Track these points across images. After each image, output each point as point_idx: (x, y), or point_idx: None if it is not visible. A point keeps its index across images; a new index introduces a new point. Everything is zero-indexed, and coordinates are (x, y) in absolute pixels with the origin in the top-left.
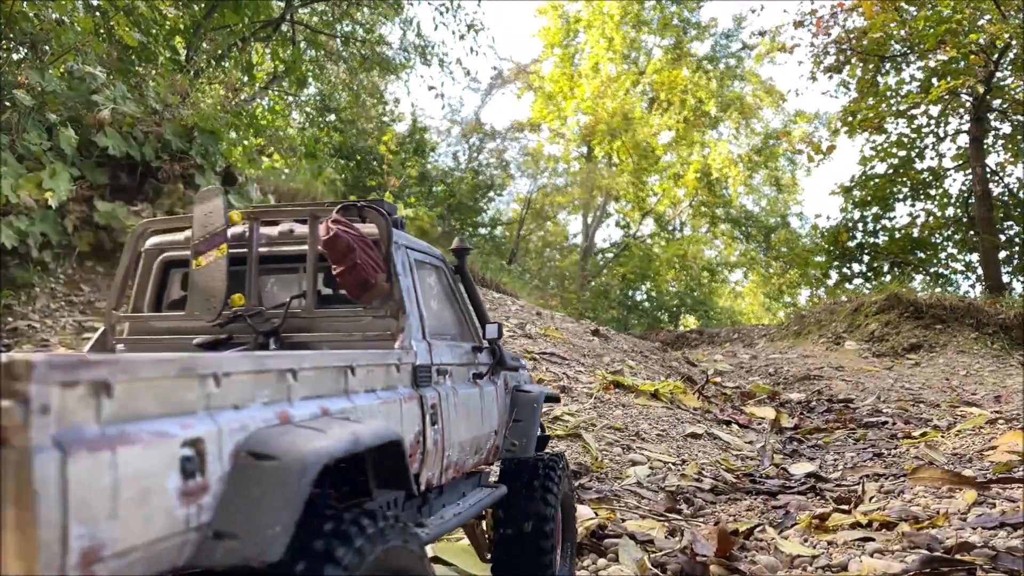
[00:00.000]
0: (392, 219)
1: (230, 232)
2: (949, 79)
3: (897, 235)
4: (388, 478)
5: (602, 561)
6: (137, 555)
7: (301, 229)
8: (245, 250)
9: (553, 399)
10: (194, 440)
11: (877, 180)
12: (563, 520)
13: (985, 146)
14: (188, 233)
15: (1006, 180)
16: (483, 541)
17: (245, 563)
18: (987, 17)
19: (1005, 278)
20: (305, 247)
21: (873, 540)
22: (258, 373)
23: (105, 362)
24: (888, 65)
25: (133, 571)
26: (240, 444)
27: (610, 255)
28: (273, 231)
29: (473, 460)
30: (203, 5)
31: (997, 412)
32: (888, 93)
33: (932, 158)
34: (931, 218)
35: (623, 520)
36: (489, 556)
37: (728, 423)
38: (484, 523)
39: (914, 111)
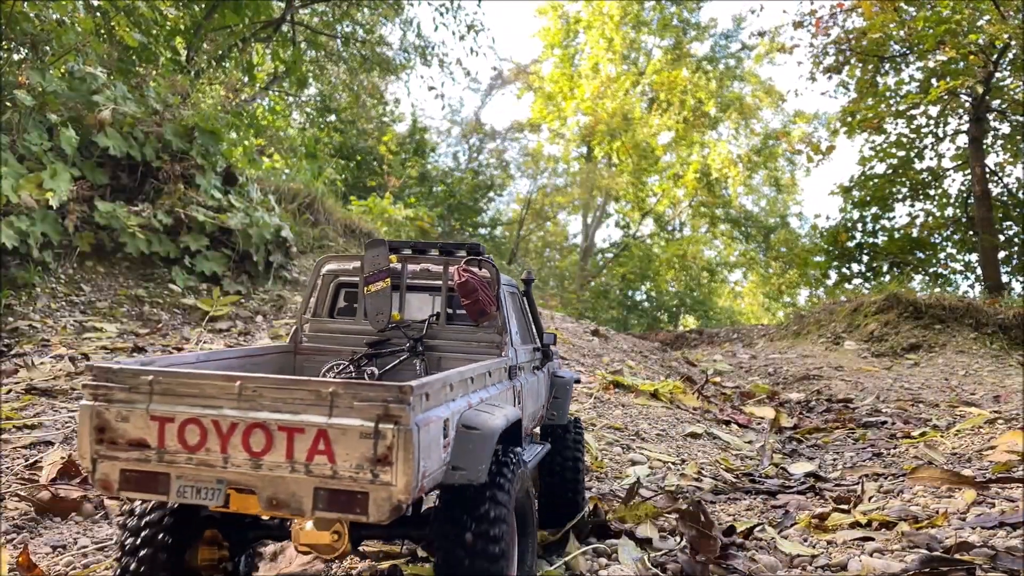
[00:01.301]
0: (496, 268)
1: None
2: (948, 79)
3: (896, 235)
4: (510, 437)
5: (602, 560)
6: (431, 477)
7: (434, 268)
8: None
9: (577, 381)
10: (445, 419)
11: (876, 180)
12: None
13: (984, 146)
14: (355, 264)
15: (1005, 180)
16: None
17: (468, 482)
18: (986, 18)
19: (1004, 278)
20: (435, 281)
21: (872, 540)
22: (459, 381)
23: (429, 383)
24: (887, 65)
25: (428, 485)
26: (459, 420)
27: (610, 255)
28: (416, 268)
29: (533, 425)
30: (203, 6)
31: (996, 412)
32: (887, 93)
33: (931, 158)
34: (930, 218)
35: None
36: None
37: (727, 423)
38: None
39: (913, 111)
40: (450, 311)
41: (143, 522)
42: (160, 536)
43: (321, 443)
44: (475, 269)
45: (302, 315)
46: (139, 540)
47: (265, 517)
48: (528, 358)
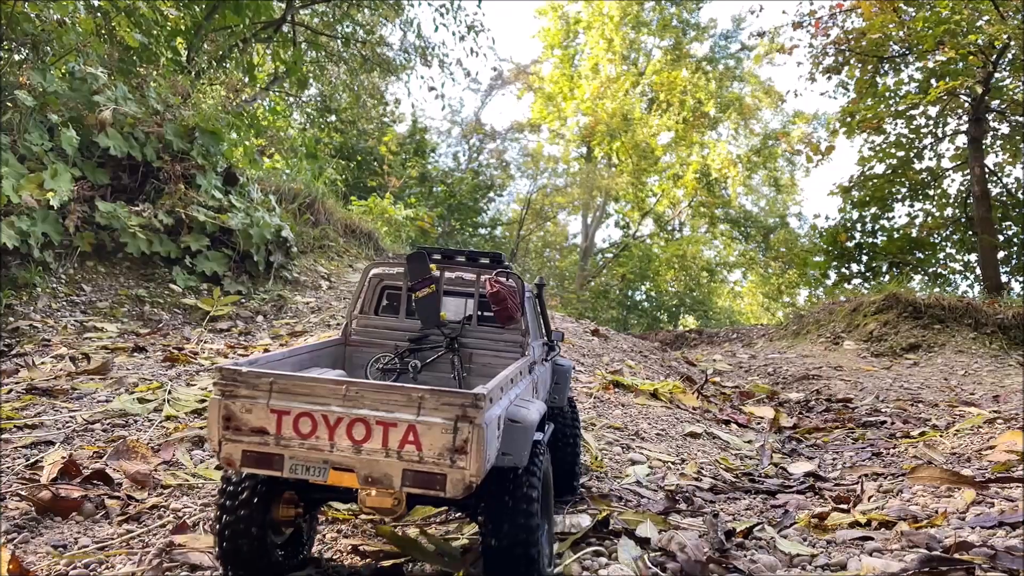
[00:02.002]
0: (521, 280)
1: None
2: (948, 80)
3: (896, 235)
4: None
5: (601, 560)
6: (490, 461)
7: (467, 276)
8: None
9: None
10: (499, 415)
11: (876, 180)
12: None
13: (984, 146)
14: (398, 269)
15: (1004, 180)
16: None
17: (514, 465)
18: (986, 18)
19: (1003, 278)
20: (468, 288)
21: (872, 539)
22: (507, 383)
23: (492, 389)
24: (887, 66)
25: (487, 468)
26: (505, 415)
27: (610, 255)
28: (452, 276)
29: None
30: (204, 6)
31: (995, 412)
32: (887, 94)
33: (931, 158)
34: (930, 218)
35: (623, 517)
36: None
37: (727, 423)
38: None
39: (913, 112)
40: (480, 314)
41: (239, 487)
42: (251, 496)
43: (411, 435)
44: (504, 280)
45: (351, 313)
46: (236, 500)
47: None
48: (540, 352)
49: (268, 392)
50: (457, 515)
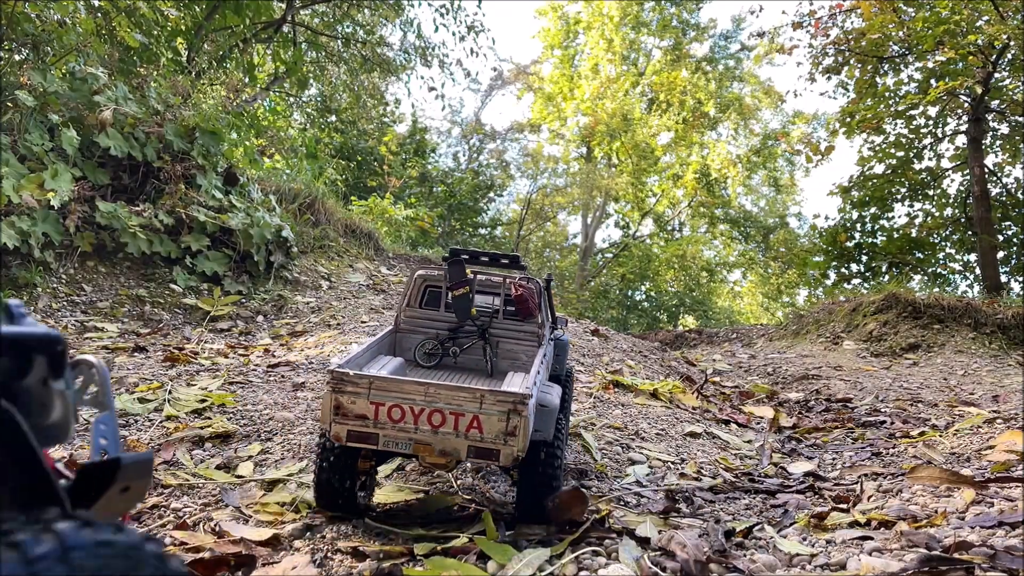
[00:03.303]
0: (539, 283)
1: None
2: (948, 80)
3: (895, 235)
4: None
5: (600, 560)
6: (530, 438)
7: (495, 278)
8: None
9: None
10: (535, 398)
11: (875, 180)
12: None
13: (983, 147)
14: (439, 272)
15: (1004, 181)
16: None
17: (543, 439)
18: (985, 18)
19: (1003, 278)
20: (496, 288)
21: (871, 539)
22: (535, 377)
23: (531, 388)
24: (886, 66)
25: (527, 444)
26: (536, 400)
27: (610, 255)
28: (483, 277)
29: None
30: (204, 6)
31: (995, 412)
32: (886, 94)
33: (930, 159)
34: (929, 218)
35: (623, 517)
36: None
37: (727, 422)
38: None
39: (912, 112)
40: (505, 309)
41: (333, 447)
42: (340, 454)
43: (475, 422)
44: (525, 283)
45: (401, 307)
46: (331, 456)
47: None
48: (549, 334)
49: (368, 389)
50: (457, 515)
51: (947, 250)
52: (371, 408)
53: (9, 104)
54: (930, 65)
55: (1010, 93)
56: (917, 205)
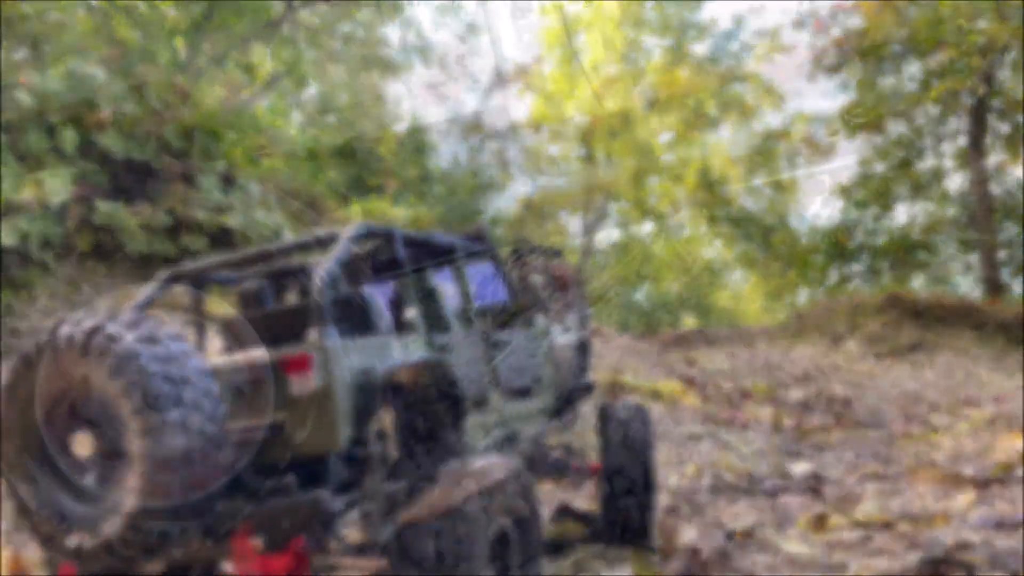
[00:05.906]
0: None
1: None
2: (948, 80)
3: (896, 235)
4: None
5: (600, 560)
6: None
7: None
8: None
9: None
10: None
11: (876, 180)
12: None
13: (984, 146)
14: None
15: (1005, 180)
16: None
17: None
18: (986, 18)
19: (1004, 278)
20: None
21: (872, 540)
22: None
23: None
24: (887, 65)
25: None
26: None
27: (610, 255)
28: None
29: None
30: (203, 6)
31: (996, 412)
32: (887, 94)
33: (931, 158)
34: (930, 218)
35: None
36: None
37: (728, 423)
38: None
39: (913, 111)
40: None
41: None
42: None
43: None
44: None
45: None
46: None
47: None
48: None
49: None
50: None
51: (948, 250)
52: None
53: (8, 104)
54: (931, 65)
55: (1011, 93)
56: (918, 205)
